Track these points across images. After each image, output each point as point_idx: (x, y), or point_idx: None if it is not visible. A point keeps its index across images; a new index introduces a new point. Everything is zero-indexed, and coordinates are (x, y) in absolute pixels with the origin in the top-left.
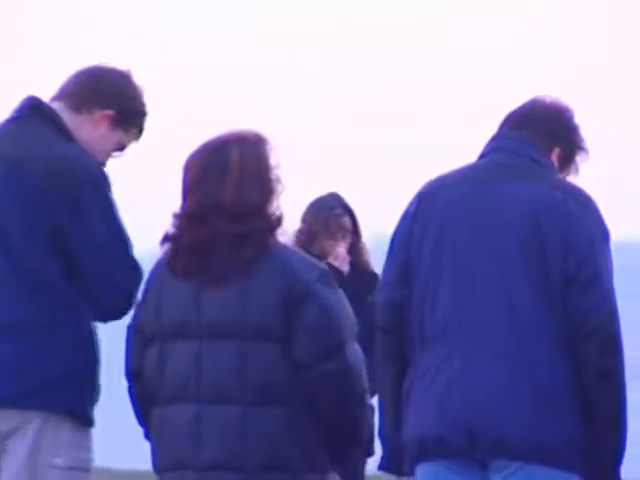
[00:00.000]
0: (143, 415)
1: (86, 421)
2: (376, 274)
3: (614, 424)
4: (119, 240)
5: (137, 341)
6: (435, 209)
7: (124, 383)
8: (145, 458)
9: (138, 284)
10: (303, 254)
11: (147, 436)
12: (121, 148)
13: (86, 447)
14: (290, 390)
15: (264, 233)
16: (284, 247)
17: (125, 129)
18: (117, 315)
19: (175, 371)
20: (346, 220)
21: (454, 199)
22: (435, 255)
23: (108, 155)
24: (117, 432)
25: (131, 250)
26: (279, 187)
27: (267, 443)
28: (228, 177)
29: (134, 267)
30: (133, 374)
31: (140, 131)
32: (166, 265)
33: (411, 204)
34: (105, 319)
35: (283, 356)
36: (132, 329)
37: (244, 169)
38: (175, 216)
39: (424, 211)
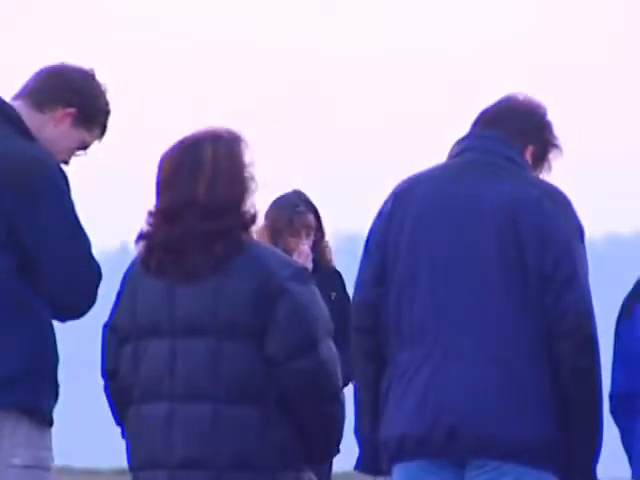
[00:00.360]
0: (120, 415)
1: (45, 420)
2: (338, 272)
3: (591, 423)
4: (77, 238)
5: (113, 340)
6: (410, 208)
7: (85, 380)
8: (106, 456)
9: (97, 283)
10: (277, 251)
11: (124, 435)
12: (84, 147)
13: (45, 446)
14: (264, 387)
15: (237, 230)
16: (258, 244)
17: (88, 128)
18: (76, 314)
19: (149, 369)
20: (310, 217)
21: (429, 199)
22: (411, 255)
23: (71, 154)
24: (77, 430)
25: (89, 249)
26: (253, 185)
27: (240, 441)
28: (201, 174)
29: (92, 266)
30: (109, 373)
31: (103, 130)
32: (140, 263)
33: (386, 203)
34: (63, 318)
35: (257, 353)
36: (108, 328)
37: (217, 166)
38: (149, 214)
39: (399, 210)
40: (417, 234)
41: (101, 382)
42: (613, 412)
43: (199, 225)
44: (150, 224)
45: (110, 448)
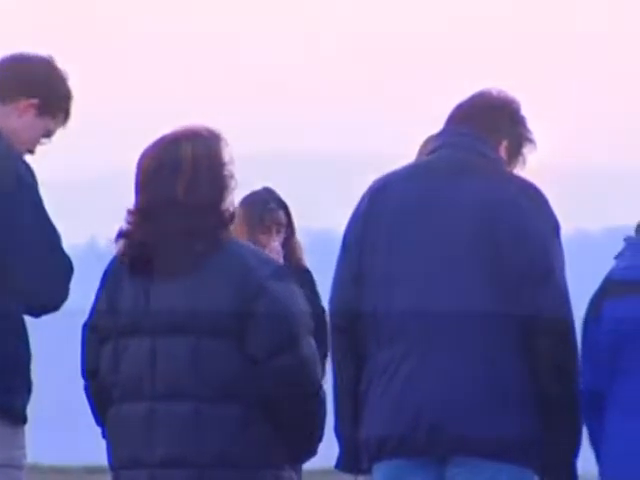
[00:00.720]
0: (100, 414)
1: (18, 418)
2: (308, 270)
3: (570, 419)
4: (47, 233)
5: (93, 339)
6: (386, 208)
7: (56, 378)
8: (76, 453)
9: (69, 276)
10: (256, 249)
11: (104, 435)
12: (48, 134)
13: (18, 445)
14: (245, 386)
15: (217, 229)
16: (237, 242)
17: (52, 115)
18: (49, 308)
19: (129, 368)
20: (280, 214)
21: (405, 197)
22: (388, 253)
23: (36, 142)
24: (46, 427)
25: (60, 242)
26: (232, 183)
27: (221, 439)
28: (180, 173)
29: (64, 259)
30: (89, 373)
31: (67, 115)
32: (120, 262)
33: (361, 202)
34: (37, 313)
35: (237, 351)
36: (88, 327)
37: (196, 165)
38: (128, 212)
39: (375, 209)
40: (394, 233)
41: (71, 379)
42: (582, 408)
43: (179, 224)
44: (129, 222)
45: (80, 446)
